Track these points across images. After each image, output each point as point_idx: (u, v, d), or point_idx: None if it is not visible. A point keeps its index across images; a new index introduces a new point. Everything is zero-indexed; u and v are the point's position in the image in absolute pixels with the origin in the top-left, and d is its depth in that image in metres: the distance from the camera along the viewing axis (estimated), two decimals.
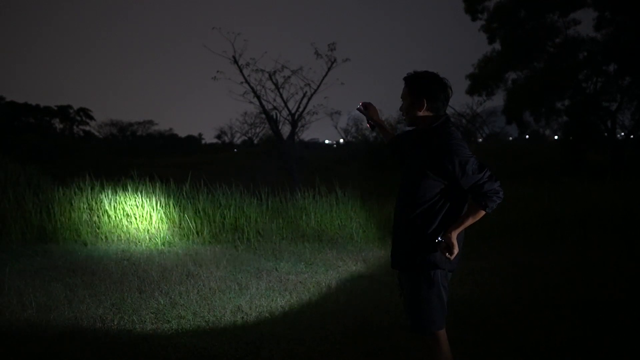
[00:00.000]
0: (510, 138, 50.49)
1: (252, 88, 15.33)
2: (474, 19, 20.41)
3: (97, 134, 52.13)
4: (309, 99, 15.79)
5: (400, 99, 2.34)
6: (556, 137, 38.80)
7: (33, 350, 3.20)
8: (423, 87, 2.24)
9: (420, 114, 2.25)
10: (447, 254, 2.14)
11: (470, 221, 2.16)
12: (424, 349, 2.32)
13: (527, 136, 42.01)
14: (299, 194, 7.89)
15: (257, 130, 46.46)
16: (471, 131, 35.74)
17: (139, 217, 7.02)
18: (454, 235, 2.14)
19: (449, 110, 2.36)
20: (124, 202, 7.21)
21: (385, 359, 3.06)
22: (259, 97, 15.47)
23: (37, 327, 3.59)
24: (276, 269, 5.31)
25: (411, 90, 2.26)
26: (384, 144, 2.71)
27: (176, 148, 49.87)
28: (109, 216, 7.00)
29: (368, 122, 2.70)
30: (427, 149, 2.19)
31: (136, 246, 6.44)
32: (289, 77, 15.45)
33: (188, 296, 4.31)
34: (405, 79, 2.30)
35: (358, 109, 2.68)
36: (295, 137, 18.08)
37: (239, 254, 6.06)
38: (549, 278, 4.74)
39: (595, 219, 6.77)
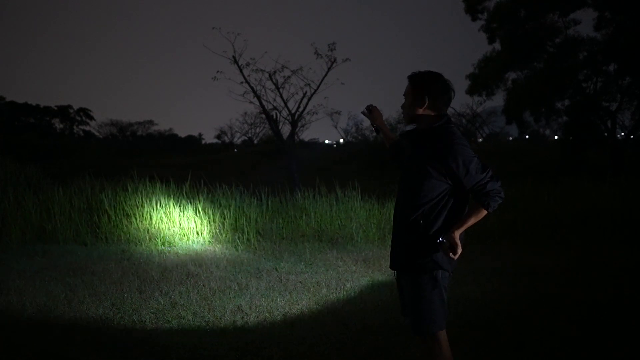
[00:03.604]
0: (510, 138, 50.50)
1: (252, 88, 15.26)
2: (474, 19, 20.40)
3: (97, 134, 52.14)
4: (309, 99, 15.70)
5: (403, 97, 2.35)
6: (556, 137, 38.80)
7: (33, 350, 3.20)
8: (425, 86, 2.25)
9: (421, 112, 2.25)
10: (450, 254, 2.14)
11: (472, 221, 2.17)
12: (424, 350, 2.31)
13: (527, 136, 42.00)
14: (299, 194, 7.89)
15: (257, 130, 46.55)
16: (471, 131, 35.73)
17: (138, 217, 7.02)
18: (457, 235, 2.15)
19: (449, 110, 2.36)
20: (124, 202, 7.21)
21: (385, 359, 3.06)
22: (259, 97, 15.41)
23: (37, 327, 3.59)
24: (276, 269, 5.31)
25: (414, 87, 2.27)
26: (386, 148, 2.73)
27: (176, 148, 49.82)
28: (109, 216, 7.00)
29: (372, 126, 2.71)
30: (429, 148, 2.19)
31: (136, 246, 6.44)
32: (289, 77, 15.37)
33: (188, 296, 4.31)
34: (409, 76, 2.31)
35: (363, 112, 2.70)
36: (295, 137, 18.03)
37: (239, 254, 6.06)
38: (549, 278, 4.74)
39: (595, 219, 6.77)
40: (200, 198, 7.48)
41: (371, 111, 2.69)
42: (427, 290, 2.19)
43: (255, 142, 48.04)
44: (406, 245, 2.25)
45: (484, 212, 2.16)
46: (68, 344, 3.27)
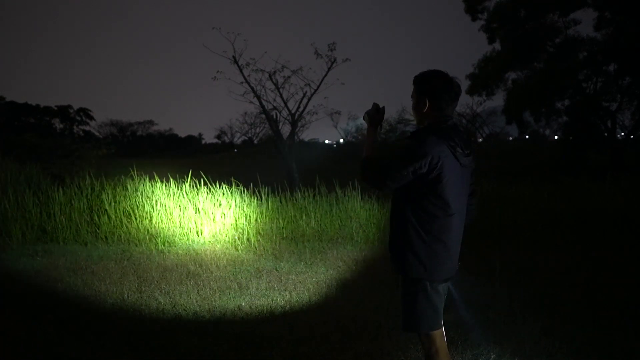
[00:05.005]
0: (510, 138, 50.53)
1: (252, 88, 15.29)
2: (474, 19, 20.44)
3: (97, 134, 52.09)
4: (309, 99, 15.74)
5: (411, 99, 2.35)
6: (556, 137, 38.81)
7: (33, 350, 3.20)
8: (427, 87, 2.24)
9: (425, 112, 2.25)
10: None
11: (366, 147, 2.33)
12: (422, 349, 2.32)
13: (527, 136, 42.01)
14: (299, 194, 7.89)
15: (257, 130, 46.60)
16: (471, 131, 35.76)
17: (138, 217, 7.02)
18: (372, 127, 2.36)
19: None
20: (124, 202, 7.21)
21: (385, 359, 3.06)
22: (259, 97, 15.44)
23: (38, 327, 3.59)
24: (276, 269, 5.31)
25: (417, 89, 2.27)
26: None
27: (176, 148, 49.84)
28: (109, 216, 7.00)
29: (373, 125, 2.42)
30: None
31: (136, 246, 6.44)
32: (289, 77, 15.40)
33: (188, 296, 4.31)
34: (413, 78, 2.30)
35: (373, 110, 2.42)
36: (295, 137, 18.03)
37: (239, 254, 6.06)
38: (549, 278, 4.74)
39: (595, 219, 6.76)
40: (200, 198, 7.48)
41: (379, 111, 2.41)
42: (412, 291, 2.20)
43: (255, 142, 48.07)
44: (394, 247, 2.26)
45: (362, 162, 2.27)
46: (68, 344, 3.27)
